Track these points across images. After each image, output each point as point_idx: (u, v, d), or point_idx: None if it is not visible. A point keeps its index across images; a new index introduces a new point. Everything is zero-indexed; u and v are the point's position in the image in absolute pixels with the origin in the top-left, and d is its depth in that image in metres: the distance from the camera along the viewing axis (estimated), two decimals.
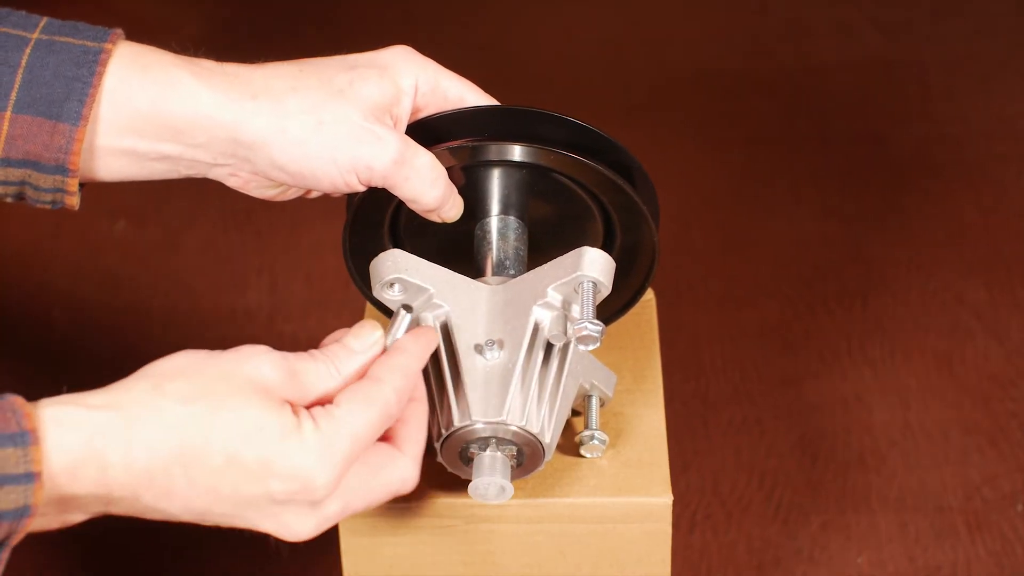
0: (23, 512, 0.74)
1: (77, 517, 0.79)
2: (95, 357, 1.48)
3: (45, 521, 0.78)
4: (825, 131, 1.72)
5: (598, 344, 0.89)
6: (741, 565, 1.27)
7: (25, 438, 0.74)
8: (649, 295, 1.08)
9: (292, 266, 1.57)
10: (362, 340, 0.86)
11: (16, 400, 0.75)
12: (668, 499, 0.95)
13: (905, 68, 1.80)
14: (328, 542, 1.01)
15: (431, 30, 1.90)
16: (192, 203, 1.63)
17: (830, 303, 1.50)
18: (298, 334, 1.50)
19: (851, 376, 1.43)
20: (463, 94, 0.94)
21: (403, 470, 0.85)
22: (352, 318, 1.39)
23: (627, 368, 1.04)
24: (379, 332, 0.87)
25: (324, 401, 0.83)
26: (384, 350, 0.86)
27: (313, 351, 0.85)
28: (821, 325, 1.48)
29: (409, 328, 0.89)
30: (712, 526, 1.30)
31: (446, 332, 0.92)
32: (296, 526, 0.81)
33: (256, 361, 0.81)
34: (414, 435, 0.86)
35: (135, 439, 0.77)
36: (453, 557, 0.97)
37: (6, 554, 0.76)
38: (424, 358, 0.88)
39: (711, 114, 1.76)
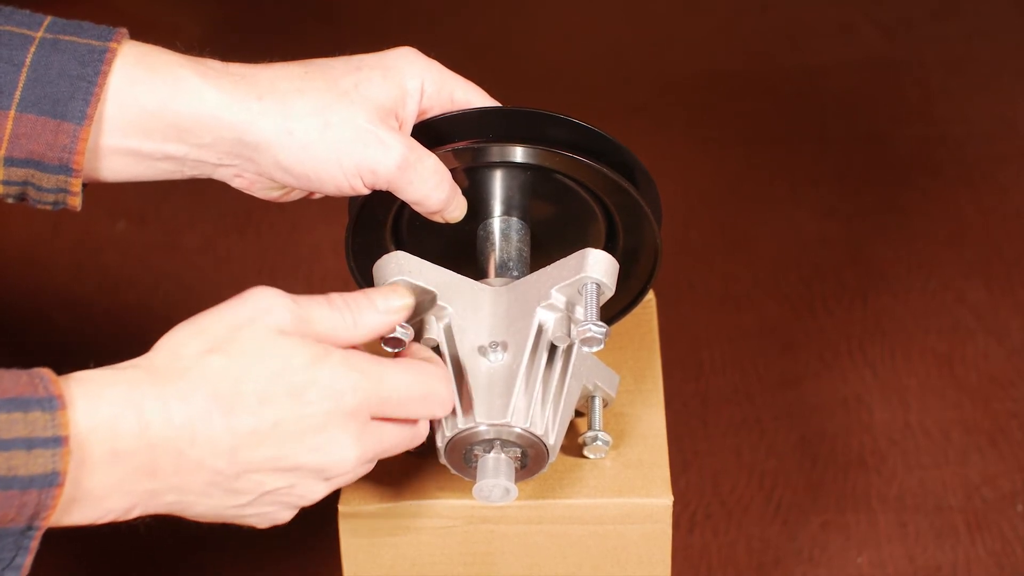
0: (52, 479, 0.74)
1: (116, 502, 0.78)
2: (95, 357, 1.48)
3: (80, 509, 0.77)
4: (825, 131, 1.72)
5: (602, 345, 0.89)
6: (741, 565, 1.27)
7: (53, 403, 0.75)
8: (649, 295, 1.08)
9: (292, 267, 1.57)
10: (388, 301, 0.87)
11: (43, 370, 0.76)
12: (668, 500, 0.95)
13: (905, 68, 1.80)
14: (328, 542, 1.01)
15: (431, 30, 1.90)
16: (192, 203, 1.63)
17: (830, 303, 1.50)
18: None
19: (851, 376, 1.43)
20: (469, 96, 0.94)
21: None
22: None
23: (627, 368, 1.04)
24: (409, 300, 0.88)
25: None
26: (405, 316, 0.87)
27: (331, 295, 0.85)
28: (821, 325, 1.48)
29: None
30: (712, 526, 1.30)
31: (449, 334, 0.92)
32: (338, 451, 0.81)
33: (265, 306, 0.82)
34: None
35: (167, 393, 0.78)
36: (453, 558, 0.98)
37: (36, 542, 0.76)
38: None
39: (711, 114, 1.76)
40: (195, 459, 0.78)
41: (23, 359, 1.48)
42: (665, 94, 1.78)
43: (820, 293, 1.52)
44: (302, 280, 1.55)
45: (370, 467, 0.86)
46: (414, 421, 0.87)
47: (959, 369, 1.43)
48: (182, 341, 0.81)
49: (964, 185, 1.63)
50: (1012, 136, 1.70)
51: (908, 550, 1.28)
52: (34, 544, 0.76)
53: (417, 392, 0.85)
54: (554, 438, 0.91)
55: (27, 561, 0.76)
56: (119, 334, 1.51)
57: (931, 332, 1.47)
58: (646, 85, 1.80)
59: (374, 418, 0.84)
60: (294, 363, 0.80)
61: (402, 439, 0.86)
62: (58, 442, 0.74)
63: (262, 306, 0.82)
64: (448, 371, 0.89)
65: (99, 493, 0.77)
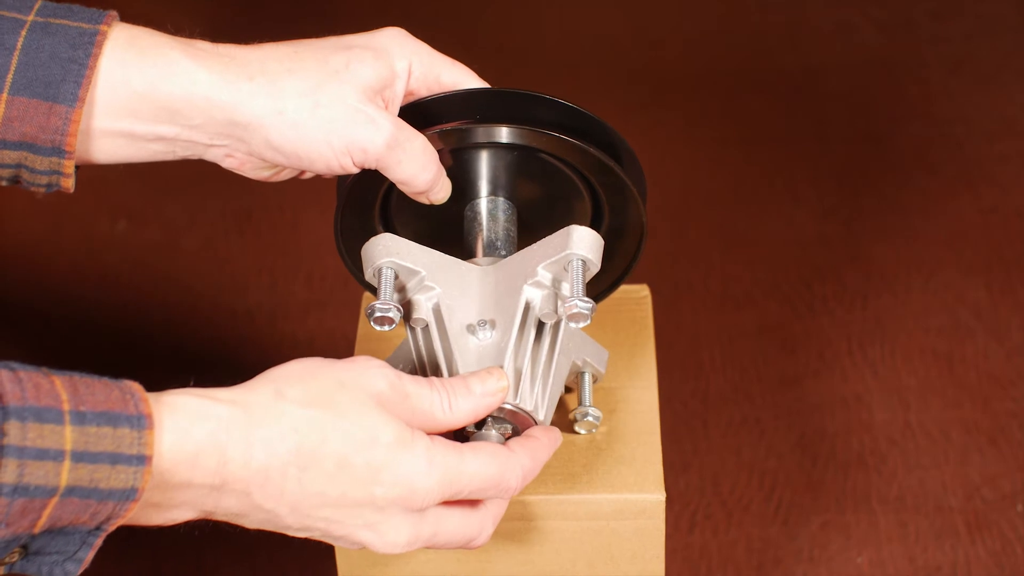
0: (129, 495, 0.76)
1: (181, 514, 0.80)
2: (95, 357, 1.49)
3: (147, 514, 0.79)
4: (824, 131, 1.72)
5: (588, 321, 0.89)
6: (741, 565, 1.27)
7: (141, 421, 0.76)
8: (644, 292, 1.08)
9: (292, 266, 1.57)
10: (485, 385, 0.88)
11: (134, 385, 0.77)
12: (661, 496, 0.95)
13: (905, 68, 1.80)
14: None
15: (430, 28, 1.89)
16: (192, 203, 1.63)
17: (830, 303, 1.50)
18: (298, 334, 1.50)
19: (851, 376, 1.43)
20: (457, 78, 0.94)
21: (483, 522, 0.87)
22: (352, 318, 1.39)
23: (621, 365, 1.04)
24: (505, 383, 0.89)
25: (428, 431, 0.85)
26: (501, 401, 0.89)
27: (432, 378, 0.87)
28: (821, 325, 1.48)
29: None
30: (712, 526, 1.30)
31: (438, 314, 0.92)
32: (391, 535, 0.83)
33: (372, 375, 0.84)
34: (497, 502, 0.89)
35: (256, 438, 0.80)
36: (447, 556, 0.97)
37: (100, 540, 0.77)
38: (551, 452, 0.90)
39: (710, 113, 1.76)
40: (258, 500, 0.81)
41: (23, 358, 1.48)
42: (665, 94, 1.78)
43: (820, 293, 1.51)
44: (302, 279, 1.55)
45: (416, 547, 0.86)
46: (479, 502, 0.87)
47: (959, 369, 1.43)
48: (290, 383, 0.82)
49: (964, 185, 1.63)
50: (1012, 136, 1.70)
51: (908, 550, 1.27)
52: (98, 542, 0.77)
53: (491, 479, 0.86)
54: (544, 413, 0.91)
55: (89, 555, 0.78)
56: (119, 334, 1.51)
57: (931, 332, 1.47)
58: (645, 84, 1.80)
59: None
60: (381, 439, 0.82)
61: (459, 534, 0.87)
62: (141, 460, 0.76)
63: (368, 370, 0.84)
64: (522, 457, 0.88)
65: (166, 506, 0.80)
